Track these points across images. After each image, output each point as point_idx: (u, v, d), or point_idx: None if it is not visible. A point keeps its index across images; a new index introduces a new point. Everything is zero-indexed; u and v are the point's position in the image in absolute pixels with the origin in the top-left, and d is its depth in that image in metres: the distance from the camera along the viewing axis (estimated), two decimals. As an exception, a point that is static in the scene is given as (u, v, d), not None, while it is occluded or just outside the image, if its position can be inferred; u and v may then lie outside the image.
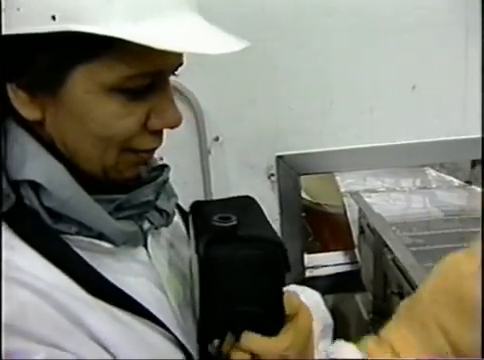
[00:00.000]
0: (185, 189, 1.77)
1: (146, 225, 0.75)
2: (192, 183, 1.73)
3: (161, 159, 1.72)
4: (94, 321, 0.63)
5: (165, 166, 0.80)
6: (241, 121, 1.68)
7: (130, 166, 0.70)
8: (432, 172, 2.79)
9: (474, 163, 2.49)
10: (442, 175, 2.74)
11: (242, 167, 1.71)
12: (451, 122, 1.70)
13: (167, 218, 0.78)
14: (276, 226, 1.75)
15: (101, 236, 0.68)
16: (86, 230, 0.67)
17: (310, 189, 2.57)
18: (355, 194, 1.91)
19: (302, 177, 1.77)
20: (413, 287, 1.22)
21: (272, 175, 1.71)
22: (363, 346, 0.57)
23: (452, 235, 1.74)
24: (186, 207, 1.70)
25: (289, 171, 1.68)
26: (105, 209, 0.68)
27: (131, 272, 0.72)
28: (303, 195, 2.47)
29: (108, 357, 0.63)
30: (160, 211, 0.76)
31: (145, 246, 0.76)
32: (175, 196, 0.82)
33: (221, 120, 1.69)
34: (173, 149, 1.72)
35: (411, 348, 0.55)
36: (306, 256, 1.90)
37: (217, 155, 1.71)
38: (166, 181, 0.78)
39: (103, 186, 0.69)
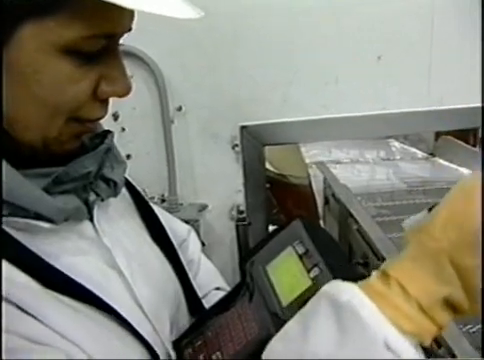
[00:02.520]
0: (148, 160, 1.76)
1: (92, 197, 0.70)
2: (155, 154, 1.71)
3: (123, 130, 1.71)
4: (43, 310, 0.58)
5: (108, 132, 0.74)
6: (205, 91, 1.64)
7: (73, 137, 0.65)
8: (396, 144, 2.81)
9: (438, 135, 2.51)
10: (406, 147, 2.76)
11: (206, 137, 1.69)
12: (416, 93, 1.68)
13: (115, 188, 0.73)
14: (240, 198, 1.74)
15: (38, 215, 0.61)
16: (21, 210, 0.60)
17: (274, 160, 2.55)
18: (320, 164, 1.90)
19: (266, 148, 1.75)
20: (379, 257, 1.21)
21: (236, 146, 1.68)
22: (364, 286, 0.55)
23: (417, 206, 1.75)
24: (151, 178, 1.70)
25: (253, 142, 1.66)
26: (41, 184, 0.62)
27: (77, 251, 0.67)
28: (267, 166, 2.46)
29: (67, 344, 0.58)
30: (106, 181, 0.71)
31: (92, 220, 0.71)
32: (123, 162, 0.76)
33: (184, 89, 1.66)
34: (135, 119, 1.70)
35: (420, 283, 0.52)
36: (271, 227, 1.89)
37: (180, 125, 1.68)
38: (110, 149, 0.72)
39: (39, 159, 0.64)
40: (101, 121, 0.71)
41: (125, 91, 0.64)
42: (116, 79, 0.63)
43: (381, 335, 0.50)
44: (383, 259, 1.13)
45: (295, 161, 2.51)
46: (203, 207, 1.75)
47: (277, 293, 0.67)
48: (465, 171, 2.21)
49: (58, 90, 0.59)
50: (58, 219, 0.63)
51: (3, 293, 0.55)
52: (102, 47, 0.60)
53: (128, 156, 1.68)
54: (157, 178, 1.73)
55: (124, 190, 0.82)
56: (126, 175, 0.85)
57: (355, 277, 0.60)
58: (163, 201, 1.76)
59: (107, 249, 0.70)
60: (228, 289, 1.03)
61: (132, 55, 1.55)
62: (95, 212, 0.71)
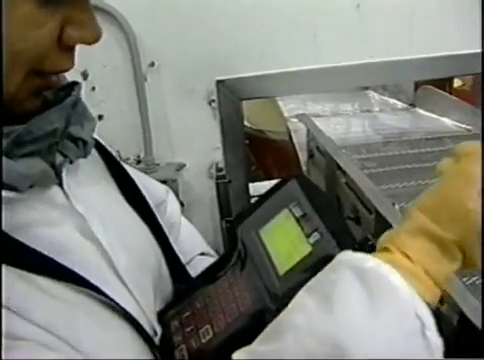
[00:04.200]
0: (121, 120, 1.70)
1: (58, 159, 0.62)
2: (128, 112, 1.64)
3: (93, 89, 1.64)
4: (15, 300, 0.51)
5: (75, 83, 0.65)
6: (177, 45, 1.57)
7: (34, 94, 0.57)
8: (375, 95, 2.77)
9: (417, 85, 2.47)
10: (385, 98, 2.72)
11: (180, 93, 1.63)
12: (396, 42, 1.63)
13: (84, 148, 0.65)
14: (218, 155, 1.70)
15: None
16: None
17: (252, 116, 2.50)
18: (303, 116, 1.84)
19: (244, 104, 1.69)
20: (370, 211, 1.16)
21: (213, 101, 1.63)
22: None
23: (402, 157, 1.71)
24: (125, 138, 1.64)
25: (230, 96, 1.60)
26: None
27: (47, 221, 0.60)
28: (245, 123, 2.41)
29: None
30: (74, 140, 0.63)
31: (61, 185, 0.63)
32: (92, 119, 0.69)
33: (156, 44, 1.59)
34: (106, 77, 1.63)
35: (435, 264, 0.52)
36: (251, 185, 1.85)
37: (153, 82, 1.61)
38: (77, 102, 0.64)
39: None
40: (69, 80, 0.64)
41: (94, 37, 0.57)
42: (84, 23, 0.55)
43: (412, 302, 0.49)
44: (376, 212, 1.09)
45: (273, 116, 2.45)
46: (181, 166, 1.70)
47: (272, 260, 0.62)
48: (446, 121, 2.18)
49: (17, 36, 0.51)
50: (22, 186, 0.56)
51: None
52: None
53: (100, 117, 1.61)
54: (131, 138, 1.67)
55: (94, 151, 0.75)
56: (97, 136, 0.78)
57: (356, 242, 0.57)
58: (139, 162, 1.70)
59: (81, 217, 0.63)
60: (212, 254, 0.98)
61: (100, 10, 1.47)
62: (64, 176, 0.63)
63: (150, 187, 0.90)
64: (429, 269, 0.52)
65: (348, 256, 0.53)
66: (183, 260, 0.84)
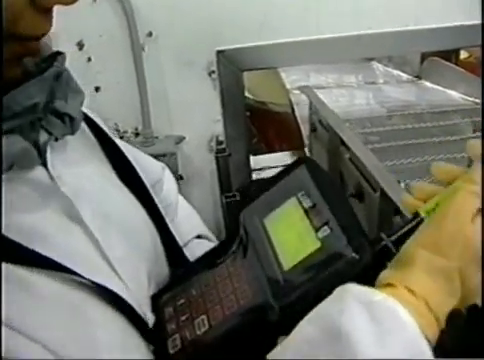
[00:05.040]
0: (118, 91, 1.66)
1: (43, 137, 0.57)
2: (125, 84, 1.60)
3: (89, 60, 1.60)
4: None
5: (58, 54, 0.59)
6: (176, 14, 1.53)
7: (11, 62, 0.52)
8: (379, 67, 2.72)
9: (423, 56, 2.41)
10: (389, 70, 2.67)
11: (179, 64, 1.58)
12: (402, 11, 1.58)
13: (71, 124, 0.60)
14: (219, 128, 1.66)
15: None
16: None
17: (253, 88, 2.45)
18: (305, 88, 1.79)
19: (245, 75, 1.65)
20: (374, 188, 1.12)
21: (213, 72, 1.59)
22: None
23: (407, 131, 1.67)
24: (123, 111, 1.60)
25: (231, 67, 1.57)
26: None
27: (30, 205, 0.55)
28: (247, 94, 2.37)
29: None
30: (60, 115, 0.58)
31: (45, 165, 0.58)
32: (80, 92, 0.63)
33: (154, 13, 1.54)
34: (102, 47, 1.58)
35: (436, 297, 0.51)
36: (252, 158, 1.82)
37: (151, 52, 1.57)
38: (60, 73, 0.59)
39: None
40: (65, 50, 0.59)
41: None
42: None
43: (419, 339, 0.47)
44: (381, 190, 1.05)
45: (275, 88, 2.41)
46: (180, 139, 1.67)
47: (277, 253, 0.58)
48: (453, 93, 2.13)
49: None
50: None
51: None
52: None
53: (97, 88, 1.57)
54: (129, 111, 1.63)
55: (84, 126, 0.70)
56: (90, 110, 0.74)
57: (367, 239, 0.53)
58: (137, 135, 1.67)
59: (67, 199, 0.58)
60: (210, 236, 0.94)
61: (96, -23, 1.43)
62: (49, 155, 0.58)
63: (145, 165, 0.86)
64: (431, 303, 0.50)
65: (353, 288, 0.50)
66: (180, 242, 0.80)
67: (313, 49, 1.61)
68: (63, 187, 0.58)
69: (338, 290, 0.50)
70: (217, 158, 1.66)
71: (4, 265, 0.49)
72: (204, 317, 0.59)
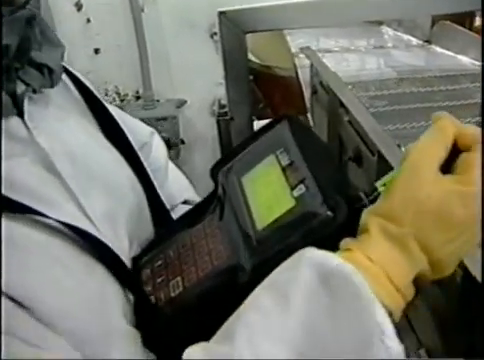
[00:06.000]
0: (118, 54, 1.63)
1: (20, 88, 0.56)
2: (125, 47, 1.58)
3: (88, 21, 1.56)
4: None
5: None
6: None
7: None
8: (389, 31, 2.66)
9: (434, 21, 2.35)
10: (399, 34, 2.61)
11: (180, 26, 1.56)
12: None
13: (51, 76, 0.59)
14: (221, 91, 1.63)
15: None
16: None
17: (259, 51, 2.40)
18: (307, 49, 1.74)
19: (249, 38, 1.61)
20: (372, 152, 1.09)
21: (215, 34, 1.57)
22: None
23: (413, 95, 1.63)
24: (123, 74, 1.57)
25: (233, 29, 1.52)
26: None
27: (4, 155, 0.53)
28: (252, 58, 2.32)
29: None
30: (39, 67, 0.57)
31: (22, 117, 0.57)
32: (59, 46, 0.62)
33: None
34: (101, 8, 1.56)
35: (396, 266, 0.49)
36: (256, 122, 1.78)
37: (151, 14, 1.55)
38: (33, 18, 0.57)
39: None
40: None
41: None
42: None
43: (373, 306, 0.45)
44: (378, 154, 1.02)
45: (281, 51, 2.36)
46: (181, 103, 1.64)
47: (252, 212, 0.56)
48: (463, 58, 2.08)
49: None
50: None
51: None
52: None
53: (96, 50, 1.55)
54: (130, 73, 1.61)
55: (69, 84, 0.69)
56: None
57: (347, 198, 0.51)
58: (138, 98, 1.65)
59: (43, 151, 0.57)
60: (198, 201, 0.92)
61: None
62: (26, 106, 0.57)
63: (133, 127, 0.84)
64: (390, 273, 0.49)
65: (310, 252, 0.48)
66: (167, 205, 0.78)
67: (319, 11, 1.56)
68: (39, 138, 0.57)
69: (296, 255, 0.49)
70: (218, 122, 1.64)
71: None
72: (179, 279, 0.58)
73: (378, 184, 0.52)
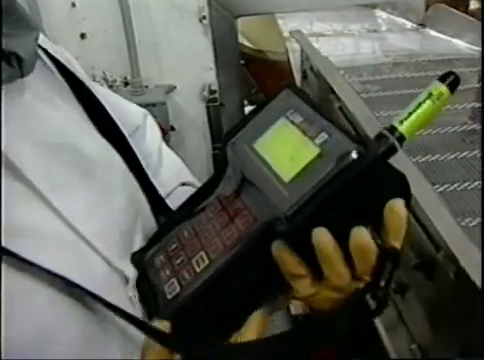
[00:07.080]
0: (106, 39, 1.59)
1: None
2: (112, 32, 1.54)
3: (73, 5, 1.52)
4: None
5: None
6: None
7: None
8: (383, 14, 2.62)
9: (428, 4, 2.32)
10: (393, 17, 2.57)
11: (169, 10, 1.52)
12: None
13: (20, 65, 0.53)
14: (211, 75, 1.60)
15: None
16: None
17: (250, 35, 2.37)
18: (297, 33, 1.70)
19: (240, 21, 1.59)
20: (364, 139, 1.07)
21: (204, 18, 1.53)
22: None
23: (407, 80, 1.60)
24: (111, 59, 1.54)
25: (223, 12, 1.50)
26: None
27: None
28: (244, 42, 2.29)
29: None
30: (7, 56, 0.51)
31: None
32: (33, 30, 0.57)
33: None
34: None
35: None
36: (248, 109, 1.75)
37: (138, -4, 1.52)
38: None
39: None
40: None
41: None
42: None
43: None
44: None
45: (272, 35, 2.32)
46: (170, 88, 1.61)
47: (274, 170, 0.53)
48: (458, 42, 2.05)
49: None
50: None
51: None
52: None
53: (83, 35, 1.51)
54: (118, 59, 1.58)
55: (51, 68, 0.64)
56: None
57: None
58: (126, 84, 1.62)
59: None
60: (197, 184, 0.89)
61: None
62: None
63: (126, 110, 0.80)
64: None
65: None
66: (163, 192, 0.75)
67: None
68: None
69: None
70: (208, 108, 1.61)
71: None
72: (202, 253, 0.54)
73: (396, 123, 0.50)
